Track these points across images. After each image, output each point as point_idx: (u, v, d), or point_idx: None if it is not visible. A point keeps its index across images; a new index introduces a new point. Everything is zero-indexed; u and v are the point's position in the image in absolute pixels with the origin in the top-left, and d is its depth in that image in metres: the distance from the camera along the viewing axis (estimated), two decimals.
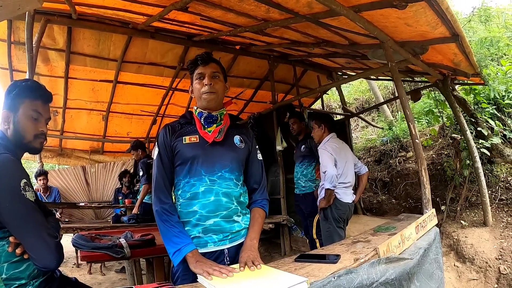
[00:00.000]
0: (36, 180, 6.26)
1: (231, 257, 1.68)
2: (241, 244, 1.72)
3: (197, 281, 1.51)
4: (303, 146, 4.66)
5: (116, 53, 5.00)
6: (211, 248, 1.69)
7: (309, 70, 6.46)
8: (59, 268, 1.67)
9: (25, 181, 1.43)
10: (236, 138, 1.84)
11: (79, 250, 3.03)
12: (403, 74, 5.34)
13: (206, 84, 1.74)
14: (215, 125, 1.78)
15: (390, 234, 2.20)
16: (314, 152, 4.39)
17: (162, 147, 1.76)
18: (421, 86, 5.77)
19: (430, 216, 2.54)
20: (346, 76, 6.55)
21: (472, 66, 4.06)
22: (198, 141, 1.75)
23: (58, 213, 6.00)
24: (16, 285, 1.42)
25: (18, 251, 1.41)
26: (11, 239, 1.40)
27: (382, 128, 8.22)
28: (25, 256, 1.43)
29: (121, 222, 4.99)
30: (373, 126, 8.51)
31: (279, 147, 5.52)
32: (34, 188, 1.57)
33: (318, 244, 4.30)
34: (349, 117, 6.86)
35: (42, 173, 6.24)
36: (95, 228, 4.33)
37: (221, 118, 1.81)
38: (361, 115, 7.77)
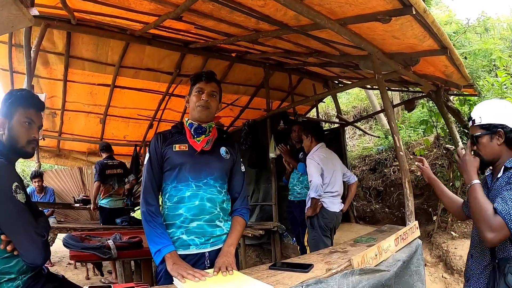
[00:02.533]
0: (32, 181, 6.33)
1: (211, 260, 1.78)
2: (220, 249, 1.83)
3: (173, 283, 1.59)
4: (301, 153, 4.67)
5: (114, 58, 5.08)
6: (193, 251, 1.80)
7: (305, 78, 6.52)
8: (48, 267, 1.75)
9: (17, 184, 1.54)
10: (222, 150, 1.98)
11: (69, 250, 3.13)
12: (397, 84, 5.40)
13: (203, 99, 1.89)
14: (203, 135, 1.93)
15: (369, 245, 2.23)
16: None
17: (153, 153, 1.88)
18: (416, 96, 5.82)
19: (412, 228, 2.57)
20: (341, 85, 6.61)
21: (464, 77, 4.12)
22: (187, 149, 1.88)
23: (53, 217, 6.04)
24: (6, 279, 1.54)
25: (8, 248, 1.52)
26: (2, 237, 1.51)
27: (378, 137, 8.26)
28: (15, 253, 1.54)
29: (116, 224, 5.05)
30: (369, 134, 8.56)
31: (272, 155, 5.55)
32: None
33: (308, 252, 4.34)
34: (344, 125, 6.91)
35: (37, 175, 6.35)
36: (88, 229, 4.39)
37: (209, 130, 1.96)
38: (356, 123, 7.81)
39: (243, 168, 2.08)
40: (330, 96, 8.01)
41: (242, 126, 6.48)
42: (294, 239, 5.15)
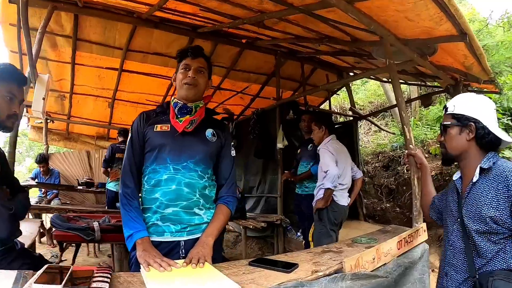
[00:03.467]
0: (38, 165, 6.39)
1: (187, 250, 1.63)
2: (197, 238, 1.68)
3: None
4: (310, 145, 4.52)
5: (122, 42, 5.01)
6: (167, 238, 1.68)
7: (319, 68, 6.29)
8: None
9: None
10: (209, 132, 1.83)
11: (54, 229, 3.15)
12: (413, 77, 5.14)
13: (189, 76, 1.76)
14: (188, 115, 1.78)
15: (368, 247, 2.02)
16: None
17: (135, 133, 1.78)
18: (433, 91, 5.54)
19: (419, 231, 2.34)
20: (352, 75, 6.37)
21: (485, 71, 3.83)
22: (168, 129, 1.76)
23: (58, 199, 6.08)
24: None
25: None
26: None
27: (394, 134, 7.97)
28: None
29: (117, 207, 5.03)
30: (383, 130, 8.27)
31: (279, 145, 5.40)
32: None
33: (312, 247, 4.20)
34: (357, 119, 6.67)
35: (42, 161, 6.36)
36: (87, 211, 4.38)
37: (195, 110, 1.80)
38: (371, 118, 7.55)
39: (233, 153, 1.93)
40: (345, 90, 7.75)
41: (251, 115, 6.34)
42: (299, 233, 5.01)
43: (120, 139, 6.05)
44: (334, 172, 3.64)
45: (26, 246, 2.20)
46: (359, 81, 11.81)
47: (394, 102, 8.49)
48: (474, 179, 1.57)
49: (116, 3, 3.93)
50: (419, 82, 5.61)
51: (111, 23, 4.61)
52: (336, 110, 9.68)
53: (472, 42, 2.94)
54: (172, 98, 1.85)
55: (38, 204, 5.37)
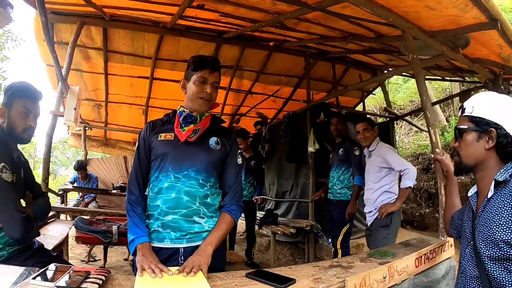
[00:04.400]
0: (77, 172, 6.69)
1: (186, 257, 1.62)
2: (197, 246, 1.66)
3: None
4: (341, 149, 4.32)
5: (150, 51, 5.15)
6: (167, 244, 1.69)
7: (352, 68, 6.09)
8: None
9: (3, 164, 1.69)
10: (212, 140, 1.81)
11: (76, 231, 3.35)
12: (450, 72, 4.81)
13: (206, 92, 1.73)
14: (192, 125, 1.76)
15: (383, 262, 1.84)
16: (350, 157, 4.15)
17: (142, 142, 1.81)
18: (472, 87, 5.17)
19: (443, 246, 2.13)
20: (386, 73, 6.08)
21: None
22: (172, 138, 1.76)
23: (95, 202, 6.32)
24: None
25: None
26: None
27: None
28: (0, 226, 1.70)
29: None
30: (421, 130, 7.85)
31: (311, 148, 5.28)
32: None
33: (339, 255, 4.04)
34: (393, 119, 6.37)
35: (80, 168, 6.63)
36: (118, 214, 4.54)
37: (200, 119, 1.77)
38: (408, 117, 7.18)
39: (239, 161, 1.89)
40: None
41: (282, 119, 6.25)
42: (330, 240, 4.85)
43: None
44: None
45: (54, 246, 2.45)
46: (401, 80, 11.31)
47: (434, 100, 8.06)
48: (489, 195, 1.30)
49: (140, 14, 4.04)
50: (458, 78, 5.24)
51: (138, 33, 4.75)
52: (375, 111, 9.34)
53: (505, 28, 2.68)
54: (179, 107, 1.82)
55: (72, 207, 5.63)
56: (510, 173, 1.27)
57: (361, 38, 3.85)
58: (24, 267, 1.35)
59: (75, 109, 3.91)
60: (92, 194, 6.55)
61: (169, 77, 5.74)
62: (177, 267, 1.51)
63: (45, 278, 1.20)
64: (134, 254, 1.63)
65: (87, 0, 3.38)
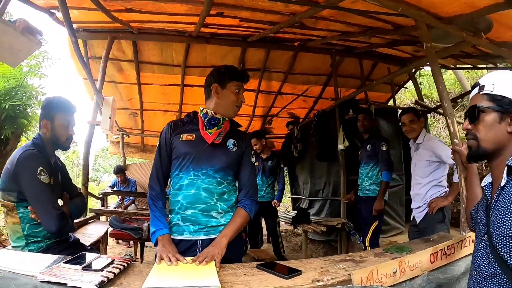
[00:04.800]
0: (116, 175, 7.06)
1: (203, 248, 1.74)
2: (214, 239, 1.78)
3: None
4: (369, 145, 4.29)
5: (179, 59, 5.35)
6: (186, 237, 1.83)
7: (380, 62, 5.98)
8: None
9: (41, 168, 1.94)
10: (230, 142, 1.93)
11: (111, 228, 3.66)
12: (480, 59, 4.62)
13: (241, 101, 1.94)
14: (216, 127, 1.89)
15: (397, 257, 1.77)
16: (378, 153, 4.12)
17: (163, 142, 1.94)
18: None
19: (464, 242, 2.04)
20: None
21: None
22: (193, 139, 1.88)
23: (134, 205, 6.65)
24: (33, 241, 1.99)
25: (34, 216, 1.95)
26: (30, 208, 1.94)
27: None
28: (39, 221, 1.94)
29: None
30: (458, 123, 7.51)
31: (340, 146, 5.26)
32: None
33: None
34: (426, 112, 6.18)
35: (119, 171, 7.06)
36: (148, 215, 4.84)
37: (222, 122, 1.92)
38: (441, 110, 6.91)
39: (252, 160, 2.02)
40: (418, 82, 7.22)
41: (312, 118, 6.27)
42: (361, 238, 4.81)
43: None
44: None
45: (91, 242, 2.71)
46: None
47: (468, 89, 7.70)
48: (502, 182, 1.17)
49: (165, 26, 4.24)
50: (489, 65, 5.01)
51: (166, 44, 4.97)
52: (409, 105, 9.05)
53: None
54: (201, 109, 1.95)
55: (111, 209, 6.00)
56: None
57: (380, 31, 3.83)
58: (58, 255, 1.56)
59: (110, 118, 4.18)
60: (131, 198, 6.88)
61: (199, 83, 5.86)
62: (190, 257, 1.63)
63: (74, 263, 1.38)
64: (156, 244, 1.76)
65: (114, 17, 3.60)
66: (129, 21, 4.00)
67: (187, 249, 1.79)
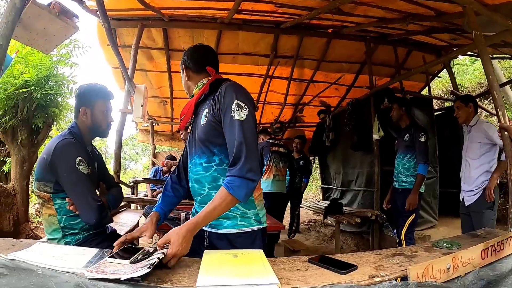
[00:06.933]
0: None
1: (210, 240, 1.64)
2: (221, 234, 1.61)
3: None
4: (406, 135, 4.12)
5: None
6: None
7: (414, 50, 5.77)
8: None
9: (80, 158, 1.86)
10: (203, 114, 1.61)
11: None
12: None
13: None
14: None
15: (448, 253, 1.71)
16: (415, 144, 3.97)
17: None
18: None
19: (511, 238, 1.91)
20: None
21: None
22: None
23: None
24: (70, 233, 1.92)
25: (72, 208, 1.87)
26: (67, 199, 1.88)
27: None
28: (77, 213, 1.88)
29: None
30: (489, 112, 7.20)
31: (375, 136, 5.13)
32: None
33: (404, 246, 3.89)
34: (473, 98, 5.92)
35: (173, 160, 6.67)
36: (186, 204, 4.78)
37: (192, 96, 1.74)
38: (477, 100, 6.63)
39: (236, 115, 1.48)
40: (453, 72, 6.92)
41: (346, 106, 6.14)
42: (395, 231, 4.69)
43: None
44: None
45: (125, 232, 2.61)
46: (468, 60, 10.44)
47: (504, 80, 7.32)
48: None
49: (197, 12, 4.18)
50: None
51: (197, 31, 4.92)
52: (441, 95, 8.77)
53: None
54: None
55: (142, 197, 6.06)
56: None
57: (422, 17, 3.69)
58: (98, 249, 1.50)
59: (142, 106, 4.18)
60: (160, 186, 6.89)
61: (231, 70, 5.86)
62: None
63: (120, 257, 1.33)
64: None
65: (146, 4, 3.56)
66: (160, 8, 3.95)
67: (197, 240, 1.51)
